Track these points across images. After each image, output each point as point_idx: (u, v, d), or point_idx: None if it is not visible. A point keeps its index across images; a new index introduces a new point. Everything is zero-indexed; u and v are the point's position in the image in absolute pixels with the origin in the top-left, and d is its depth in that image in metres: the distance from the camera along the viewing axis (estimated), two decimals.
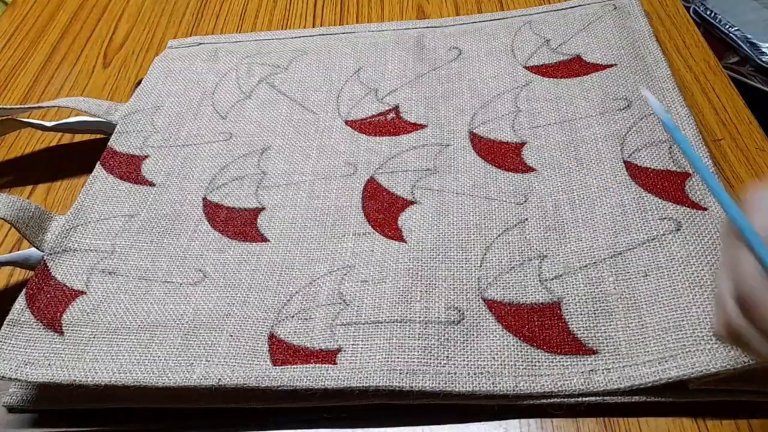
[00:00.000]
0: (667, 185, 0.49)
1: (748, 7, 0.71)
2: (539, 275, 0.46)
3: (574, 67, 0.62)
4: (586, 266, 0.46)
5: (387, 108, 0.62)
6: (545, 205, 0.51)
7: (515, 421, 0.42)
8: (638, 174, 0.51)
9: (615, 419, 0.41)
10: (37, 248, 0.52)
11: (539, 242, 0.48)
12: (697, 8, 0.72)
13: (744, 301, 0.32)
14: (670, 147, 0.51)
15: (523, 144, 0.56)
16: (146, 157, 0.61)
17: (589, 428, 0.41)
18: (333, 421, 0.43)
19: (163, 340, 0.46)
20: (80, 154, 0.67)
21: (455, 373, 0.42)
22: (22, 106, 0.68)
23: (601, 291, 0.44)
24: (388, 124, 0.61)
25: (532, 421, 0.42)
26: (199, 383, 0.42)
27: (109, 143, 0.62)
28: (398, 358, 0.42)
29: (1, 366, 0.44)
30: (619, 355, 0.41)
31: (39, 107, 0.67)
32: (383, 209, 0.53)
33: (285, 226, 0.53)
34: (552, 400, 0.41)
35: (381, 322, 0.45)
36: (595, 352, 0.42)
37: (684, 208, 0.47)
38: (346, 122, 0.62)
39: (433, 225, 0.51)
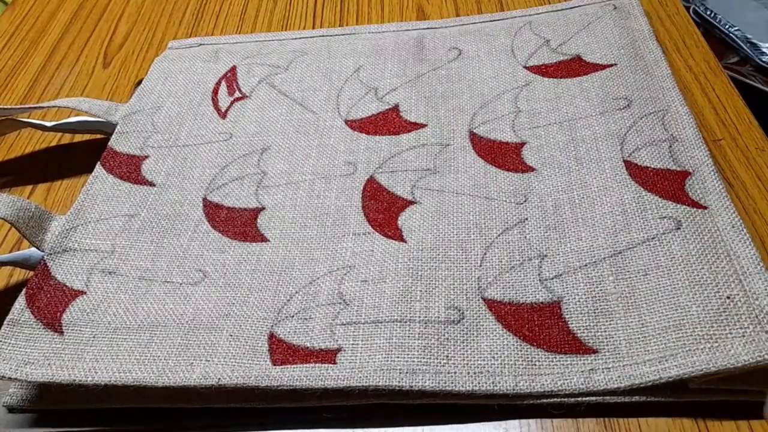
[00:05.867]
0: (666, 184, 0.49)
1: (748, 7, 0.71)
2: (539, 275, 0.46)
3: (574, 67, 0.62)
4: (586, 265, 0.46)
5: (387, 107, 0.62)
6: (545, 205, 0.51)
7: (515, 422, 0.42)
8: (638, 173, 0.51)
9: (615, 419, 0.41)
10: (37, 248, 0.52)
11: (539, 242, 0.48)
12: (697, 8, 0.72)
13: None
14: (670, 146, 0.51)
15: (523, 144, 0.56)
16: (146, 157, 0.61)
17: (589, 428, 0.41)
18: (333, 420, 0.43)
19: (163, 340, 0.46)
20: (80, 154, 0.67)
21: (455, 373, 0.42)
22: (22, 106, 0.68)
23: (601, 290, 0.44)
24: (387, 121, 0.61)
25: (532, 421, 0.42)
26: (198, 383, 0.42)
27: (109, 143, 0.62)
28: (398, 357, 0.42)
29: (0, 366, 0.44)
30: (619, 354, 0.41)
31: (39, 107, 0.67)
32: (383, 209, 0.53)
33: (285, 226, 0.53)
34: (552, 400, 0.41)
35: (381, 322, 0.45)
36: (595, 351, 0.42)
37: (684, 206, 0.47)
38: (346, 122, 0.62)
39: (433, 225, 0.51)
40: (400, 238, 0.50)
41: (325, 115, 0.63)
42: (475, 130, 0.58)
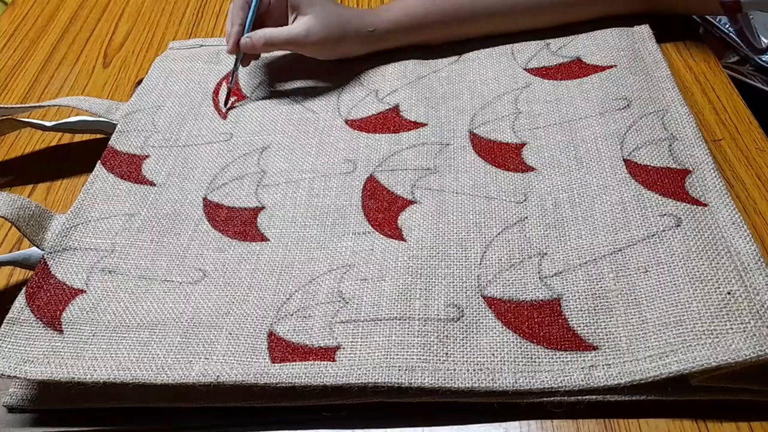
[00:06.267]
0: (666, 182, 0.49)
1: None
2: (539, 272, 0.46)
3: (574, 69, 0.62)
4: (586, 263, 0.46)
5: (387, 107, 0.62)
6: (545, 204, 0.51)
7: (515, 422, 0.42)
8: (638, 172, 0.51)
9: (615, 419, 0.41)
10: (37, 247, 0.52)
11: (539, 240, 0.48)
12: None
13: None
14: (670, 145, 0.52)
15: (523, 145, 0.56)
16: (147, 156, 0.61)
17: (589, 428, 0.41)
18: (333, 420, 0.43)
19: (163, 339, 0.46)
20: (80, 153, 0.67)
21: (454, 370, 0.42)
22: (23, 105, 0.68)
23: (601, 287, 0.44)
24: (387, 120, 0.61)
25: (532, 421, 0.41)
26: (197, 380, 0.42)
27: (109, 142, 0.62)
28: (397, 354, 0.42)
29: (0, 364, 0.44)
30: (619, 350, 0.41)
31: (39, 106, 0.67)
32: (383, 209, 0.53)
33: (285, 226, 0.53)
34: (552, 398, 0.41)
35: (380, 320, 0.45)
36: (595, 348, 0.42)
37: (684, 204, 0.47)
38: (346, 121, 0.62)
39: (432, 224, 0.51)
40: (400, 237, 0.50)
41: (325, 115, 0.63)
42: (475, 131, 0.58)
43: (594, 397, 0.41)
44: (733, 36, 0.67)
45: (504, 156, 0.55)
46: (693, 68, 0.63)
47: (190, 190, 0.57)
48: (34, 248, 0.53)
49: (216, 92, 0.68)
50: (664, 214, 0.47)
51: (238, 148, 0.61)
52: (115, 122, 0.64)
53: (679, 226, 0.46)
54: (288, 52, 0.71)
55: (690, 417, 0.40)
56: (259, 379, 0.42)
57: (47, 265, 0.51)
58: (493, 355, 0.42)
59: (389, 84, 0.65)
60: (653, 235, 0.46)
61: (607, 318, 0.43)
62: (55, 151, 0.68)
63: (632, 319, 0.42)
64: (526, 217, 0.50)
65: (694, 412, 0.40)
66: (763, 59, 0.64)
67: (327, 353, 0.43)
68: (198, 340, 0.45)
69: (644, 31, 0.63)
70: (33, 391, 0.46)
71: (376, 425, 0.43)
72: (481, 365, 0.42)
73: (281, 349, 0.44)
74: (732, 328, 0.39)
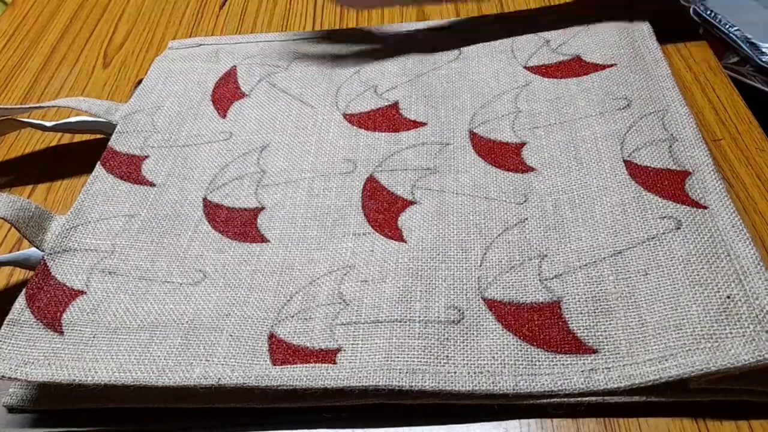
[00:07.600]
0: (667, 184, 0.49)
1: (748, 7, 0.70)
2: (539, 275, 0.46)
3: (574, 67, 0.62)
4: (586, 265, 0.46)
5: (386, 103, 0.62)
6: (545, 205, 0.51)
7: (515, 422, 0.42)
8: (638, 173, 0.51)
9: (615, 419, 0.41)
10: (37, 248, 0.52)
11: (539, 242, 0.48)
12: (697, 8, 0.71)
13: None
14: (670, 146, 0.51)
15: (523, 144, 0.56)
16: (146, 157, 0.61)
17: (589, 428, 0.41)
18: (333, 421, 0.43)
19: (163, 340, 0.46)
20: (80, 154, 0.67)
21: (455, 373, 0.42)
22: (22, 105, 0.68)
23: (601, 290, 0.44)
24: (387, 118, 0.61)
25: (532, 421, 0.41)
26: (198, 383, 0.42)
27: (109, 143, 0.62)
28: (398, 357, 0.42)
29: (0, 365, 0.44)
30: (619, 354, 0.41)
31: (39, 107, 0.67)
32: (383, 210, 0.53)
33: (285, 227, 0.53)
34: (552, 400, 0.41)
35: (381, 322, 0.45)
36: (595, 351, 0.42)
37: (684, 206, 0.47)
38: (345, 116, 0.62)
39: (433, 225, 0.51)
40: (400, 239, 0.50)
41: (323, 109, 0.63)
42: (475, 130, 0.58)
43: (594, 399, 0.41)
44: (734, 36, 0.67)
45: (504, 156, 0.55)
46: (693, 68, 0.63)
47: (190, 191, 0.57)
48: (33, 249, 0.53)
49: (215, 91, 0.68)
50: (664, 217, 0.47)
51: (238, 148, 0.61)
52: (115, 123, 0.64)
53: (679, 228, 0.46)
54: (288, 50, 0.71)
55: (690, 417, 0.40)
56: (261, 381, 0.42)
57: (47, 266, 0.51)
58: (494, 357, 0.42)
59: (388, 81, 0.65)
60: (653, 238, 0.46)
61: (606, 321, 0.43)
62: (55, 151, 0.68)
63: (632, 322, 0.42)
64: (526, 219, 0.50)
65: (694, 412, 0.40)
66: (763, 59, 0.64)
67: (328, 355, 0.43)
68: (199, 341, 0.45)
69: (644, 28, 0.63)
70: (33, 391, 0.46)
71: (376, 426, 0.43)
72: (482, 368, 0.42)
73: (282, 351, 0.44)
74: (731, 333, 0.39)
